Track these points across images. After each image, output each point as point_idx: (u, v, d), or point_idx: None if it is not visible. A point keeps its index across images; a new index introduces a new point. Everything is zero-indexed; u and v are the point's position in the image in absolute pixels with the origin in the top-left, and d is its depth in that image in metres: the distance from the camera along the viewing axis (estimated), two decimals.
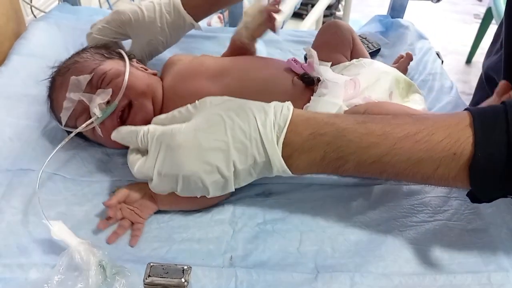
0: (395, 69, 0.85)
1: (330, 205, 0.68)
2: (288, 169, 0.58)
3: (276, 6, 0.82)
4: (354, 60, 0.86)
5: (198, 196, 0.60)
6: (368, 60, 0.86)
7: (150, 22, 0.83)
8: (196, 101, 0.63)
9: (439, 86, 0.93)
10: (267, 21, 0.82)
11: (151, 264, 0.46)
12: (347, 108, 0.72)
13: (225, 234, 0.64)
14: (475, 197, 0.55)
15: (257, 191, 0.71)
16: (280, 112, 0.59)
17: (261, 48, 1.05)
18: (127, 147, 0.68)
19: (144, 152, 0.62)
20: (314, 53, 0.80)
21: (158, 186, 0.60)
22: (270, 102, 0.71)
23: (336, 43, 0.91)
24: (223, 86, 0.75)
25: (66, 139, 0.69)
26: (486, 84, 0.90)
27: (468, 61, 2.73)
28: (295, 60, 0.81)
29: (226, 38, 0.95)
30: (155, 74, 0.83)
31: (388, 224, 0.65)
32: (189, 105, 0.63)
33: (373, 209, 0.68)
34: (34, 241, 0.61)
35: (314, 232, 0.64)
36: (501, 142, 0.49)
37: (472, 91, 1.01)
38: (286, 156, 0.57)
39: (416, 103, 0.79)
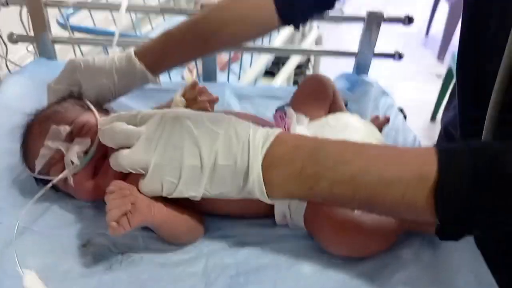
0: (369, 126, 0.86)
1: (304, 256, 0.68)
2: (263, 183, 0.57)
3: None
4: (329, 117, 0.86)
5: (163, 191, 0.60)
6: (344, 115, 0.88)
7: (98, 68, 0.85)
8: None
9: (402, 140, 0.98)
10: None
11: None
12: None
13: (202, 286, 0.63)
14: (443, 233, 0.56)
15: (230, 243, 0.70)
16: (272, 130, 0.61)
17: (235, 102, 1.09)
18: (98, 200, 0.68)
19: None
20: (293, 114, 0.82)
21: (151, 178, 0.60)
22: None
23: (317, 97, 0.93)
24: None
25: (43, 190, 0.69)
26: (446, 139, 0.95)
27: (433, 118, 2.86)
28: (281, 117, 0.82)
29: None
30: None
31: (362, 273, 0.66)
32: None
33: (350, 261, 0.68)
34: None
35: (288, 285, 0.64)
36: (466, 165, 0.50)
37: None
38: (265, 166, 0.57)
39: None
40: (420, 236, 0.71)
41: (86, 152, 0.71)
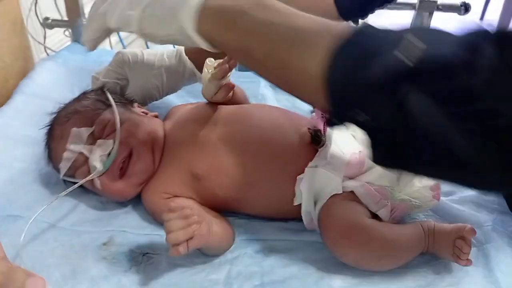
0: None
1: (334, 268, 0.63)
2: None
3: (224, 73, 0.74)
4: None
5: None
6: None
7: (147, 65, 0.81)
8: None
9: None
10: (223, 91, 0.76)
11: None
12: (342, 188, 0.66)
13: None
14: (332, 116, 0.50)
15: (256, 248, 0.66)
16: None
17: (269, 94, 1.03)
18: (126, 200, 0.69)
19: None
20: None
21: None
22: (271, 151, 0.68)
23: None
24: (222, 134, 0.72)
25: (64, 192, 0.67)
26: None
27: None
28: (323, 115, 0.74)
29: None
30: (156, 116, 0.80)
31: None
32: None
33: (382, 274, 0.62)
34: None
35: None
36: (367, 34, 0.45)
37: None
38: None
39: None
40: None
41: (110, 154, 0.68)
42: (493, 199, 0.75)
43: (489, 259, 0.64)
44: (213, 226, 0.62)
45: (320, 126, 0.71)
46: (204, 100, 0.80)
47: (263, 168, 0.68)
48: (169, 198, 0.69)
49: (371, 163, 0.67)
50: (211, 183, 0.69)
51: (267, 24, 0.50)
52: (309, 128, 0.71)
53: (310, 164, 0.68)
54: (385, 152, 0.46)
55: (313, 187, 0.66)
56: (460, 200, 0.75)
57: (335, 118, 0.49)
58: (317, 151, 0.69)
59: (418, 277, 0.62)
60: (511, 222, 0.71)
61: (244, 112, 0.76)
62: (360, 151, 0.68)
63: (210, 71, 0.74)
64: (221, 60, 0.73)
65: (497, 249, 0.66)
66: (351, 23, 0.50)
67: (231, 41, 0.53)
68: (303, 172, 0.68)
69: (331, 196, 0.65)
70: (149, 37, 0.61)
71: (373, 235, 0.62)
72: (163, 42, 0.60)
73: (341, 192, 0.65)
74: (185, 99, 1.02)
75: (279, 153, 0.69)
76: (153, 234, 0.68)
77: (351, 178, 0.67)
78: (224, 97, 0.76)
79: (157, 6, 0.57)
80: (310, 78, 0.47)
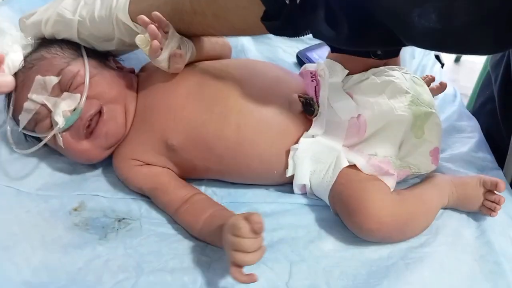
0: (419, 83, 0.68)
1: (325, 231, 0.60)
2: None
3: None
4: (372, 71, 0.68)
5: None
6: (391, 71, 0.67)
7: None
8: None
9: (442, 95, 0.85)
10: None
11: None
12: (347, 158, 0.61)
13: (203, 264, 0.55)
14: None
15: (242, 211, 0.61)
16: None
17: (249, 45, 0.96)
18: (91, 162, 0.64)
19: None
20: (325, 68, 0.67)
21: None
22: (257, 121, 0.63)
23: None
24: (200, 101, 0.63)
25: (28, 151, 0.61)
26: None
27: (457, 59, 2.69)
28: (313, 75, 0.68)
29: None
30: (132, 72, 0.73)
31: (391, 255, 0.57)
32: None
33: None
34: None
35: (306, 263, 0.56)
36: None
37: (462, 90, 0.95)
38: None
39: (431, 135, 0.64)
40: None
41: (75, 109, 0.61)
42: (484, 156, 0.73)
43: (482, 219, 0.63)
44: None
45: (310, 91, 0.66)
46: None
47: (248, 141, 0.62)
48: (140, 165, 0.64)
49: (372, 129, 0.62)
50: (189, 155, 0.63)
51: None
52: (300, 96, 0.64)
53: (305, 134, 0.63)
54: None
55: (310, 158, 0.62)
56: (450, 158, 0.72)
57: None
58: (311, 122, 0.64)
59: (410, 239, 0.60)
60: (501, 179, 0.69)
61: (225, 74, 0.66)
62: (359, 114, 0.63)
63: (145, 49, 0.60)
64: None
65: None
66: None
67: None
68: (295, 142, 0.63)
69: (340, 172, 0.60)
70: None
71: (407, 211, 0.59)
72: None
73: (346, 165, 0.60)
74: None
75: (267, 124, 0.63)
76: (128, 198, 0.64)
77: (350, 147, 0.63)
78: (179, 68, 0.64)
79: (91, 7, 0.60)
80: None
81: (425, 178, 0.66)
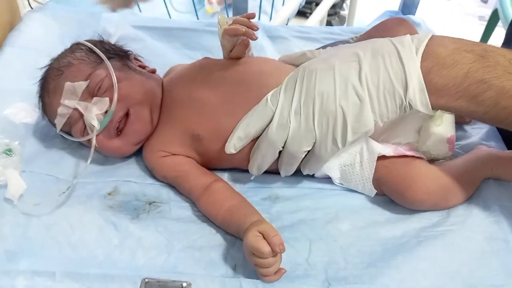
0: None
1: (342, 213, 0.64)
2: (425, 89, 0.52)
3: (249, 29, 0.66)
4: None
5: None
6: None
7: None
8: None
9: None
10: (240, 45, 0.69)
11: (146, 280, 0.41)
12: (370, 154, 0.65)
13: (228, 242, 0.59)
14: None
15: (263, 195, 0.66)
16: (417, 37, 0.55)
17: (267, 44, 1.01)
18: (123, 157, 0.68)
19: None
20: None
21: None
22: None
23: None
24: (223, 95, 0.68)
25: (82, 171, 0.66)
26: None
27: None
28: None
29: None
30: (153, 72, 0.78)
31: (404, 234, 0.61)
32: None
33: (389, 218, 0.63)
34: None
35: (325, 242, 0.60)
36: None
37: None
38: (425, 72, 0.52)
39: (448, 124, 0.70)
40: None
41: (106, 111, 0.66)
42: (495, 145, 0.76)
43: (491, 201, 0.65)
44: None
45: None
46: (201, 56, 0.77)
47: None
48: (166, 156, 0.68)
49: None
50: (215, 146, 0.66)
51: None
52: None
53: None
54: None
55: None
56: (462, 147, 0.75)
57: None
58: None
59: (423, 219, 0.63)
60: None
61: (248, 66, 0.71)
62: None
63: (223, 27, 0.67)
64: (235, 17, 0.67)
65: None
66: None
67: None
68: None
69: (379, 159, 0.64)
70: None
71: (450, 181, 0.64)
72: None
73: (379, 149, 0.64)
74: (180, 51, 1.00)
75: None
76: (158, 184, 0.68)
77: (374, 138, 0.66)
78: (239, 54, 0.70)
79: None
80: None
81: (469, 152, 0.70)
